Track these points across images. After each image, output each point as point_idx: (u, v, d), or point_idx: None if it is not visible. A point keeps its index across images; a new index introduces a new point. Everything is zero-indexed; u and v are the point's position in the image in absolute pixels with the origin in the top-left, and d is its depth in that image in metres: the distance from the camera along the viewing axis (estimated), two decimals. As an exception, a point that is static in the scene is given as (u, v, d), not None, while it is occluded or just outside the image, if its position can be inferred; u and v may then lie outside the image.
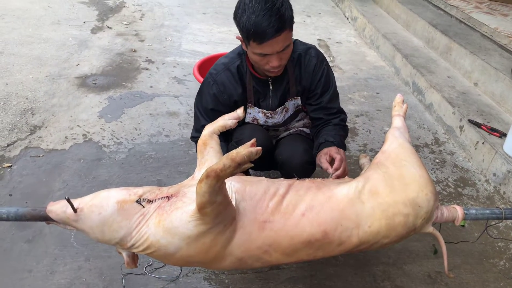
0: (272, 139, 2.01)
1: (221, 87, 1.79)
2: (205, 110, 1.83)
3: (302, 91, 1.87)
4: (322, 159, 1.69)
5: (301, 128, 2.03)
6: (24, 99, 2.99)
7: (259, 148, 1.16)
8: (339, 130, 1.85)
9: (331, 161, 1.67)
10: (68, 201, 1.20)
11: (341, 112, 1.92)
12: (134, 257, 1.35)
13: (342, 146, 1.79)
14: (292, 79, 1.82)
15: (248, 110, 1.88)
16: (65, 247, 1.87)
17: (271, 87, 1.82)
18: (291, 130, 2.03)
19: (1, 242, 1.86)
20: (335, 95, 1.91)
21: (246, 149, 1.14)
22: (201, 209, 1.14)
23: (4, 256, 1.80)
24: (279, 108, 1.89)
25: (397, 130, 1.57)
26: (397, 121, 1.63)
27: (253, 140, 1.23)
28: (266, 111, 1.88)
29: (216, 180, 1.09)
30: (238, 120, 1.60)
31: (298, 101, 1.90)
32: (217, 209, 1.16)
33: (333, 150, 1.69)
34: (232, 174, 1.12)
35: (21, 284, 1.68)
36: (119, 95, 3.20)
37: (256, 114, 1.89)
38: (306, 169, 1.82)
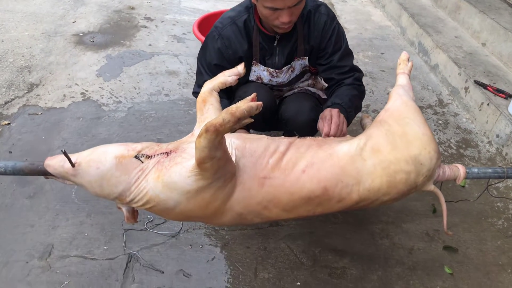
0: (276, 98, 1.97)
1: (227, 41, 1.72)
2: (209, 65, 1.77)
3: (311, 50, 1.79)
4: (319, 123, 1.64)
5: (306, 88, 1.98)
6: (20, 56, 2.93)
7: (260, 102, 1.13)
8: (351, 90, 1.76)
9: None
10: (65, 154, 1.18)
11: (355, 70, 1.82)
12: (134, 212, 1.36)
13: (352, 107, 1.71)
14: (301, 37, 1.74)
15: (253, 68, 1.82)
16: (66, 203, 1.88)
17: (277, 44, 1.76)
18: (295, 90, 1.98)
19: (2, 198, 1.87)
20: (347, 53, 1.81)
21: (246, 104, 1.11)
22: (201, 164, 1.13)
23: (6, 212, 1.81)
24: (285, 67, 1.83)
25: (401, 88, 1.53)
26: (402, 79, 1.59)
27: (253, 95, 1.20)
28: (271, 70, 1.82)
29: (216, 135, 1.07)
30: (238, 76, 1.55)
31: (306, 61, 1.84)
32: (217, 164, 1.15)
33: (325, 113, 1.63)
34: (231, 129, 1.10)
35: (23, 238, 1.71)
36: (117, 54, 3.13)
37: (261, 72, 1.83)
38: (311, 127, 1.77)
